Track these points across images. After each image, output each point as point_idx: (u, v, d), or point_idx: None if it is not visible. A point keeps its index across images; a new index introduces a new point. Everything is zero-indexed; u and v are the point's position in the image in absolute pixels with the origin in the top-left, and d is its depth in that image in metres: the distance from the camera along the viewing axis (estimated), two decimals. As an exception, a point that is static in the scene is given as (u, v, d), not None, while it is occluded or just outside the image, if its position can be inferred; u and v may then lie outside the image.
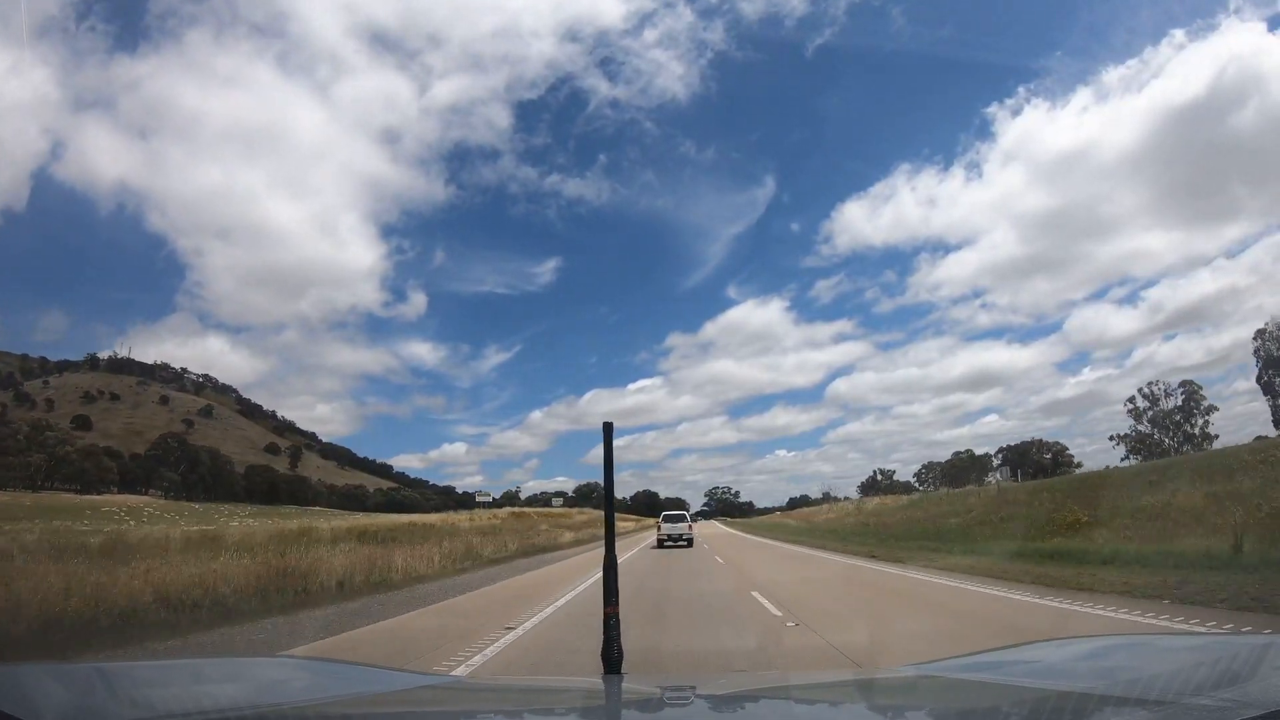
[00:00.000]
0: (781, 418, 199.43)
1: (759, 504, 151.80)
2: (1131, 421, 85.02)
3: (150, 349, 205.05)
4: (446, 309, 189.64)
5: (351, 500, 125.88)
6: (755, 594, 11.01)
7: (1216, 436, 78.49)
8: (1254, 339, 74.16)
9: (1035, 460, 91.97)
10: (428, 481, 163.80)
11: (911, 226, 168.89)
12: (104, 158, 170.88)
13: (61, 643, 7.02)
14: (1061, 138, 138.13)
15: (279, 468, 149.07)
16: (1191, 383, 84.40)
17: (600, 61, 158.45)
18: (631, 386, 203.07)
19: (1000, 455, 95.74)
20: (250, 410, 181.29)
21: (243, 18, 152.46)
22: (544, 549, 27.10)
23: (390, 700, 1.97)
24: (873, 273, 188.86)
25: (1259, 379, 74.43)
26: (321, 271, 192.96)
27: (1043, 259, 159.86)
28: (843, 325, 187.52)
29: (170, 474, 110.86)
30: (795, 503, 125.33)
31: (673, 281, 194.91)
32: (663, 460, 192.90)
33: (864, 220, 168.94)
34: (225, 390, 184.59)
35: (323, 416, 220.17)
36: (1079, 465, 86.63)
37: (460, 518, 48.31)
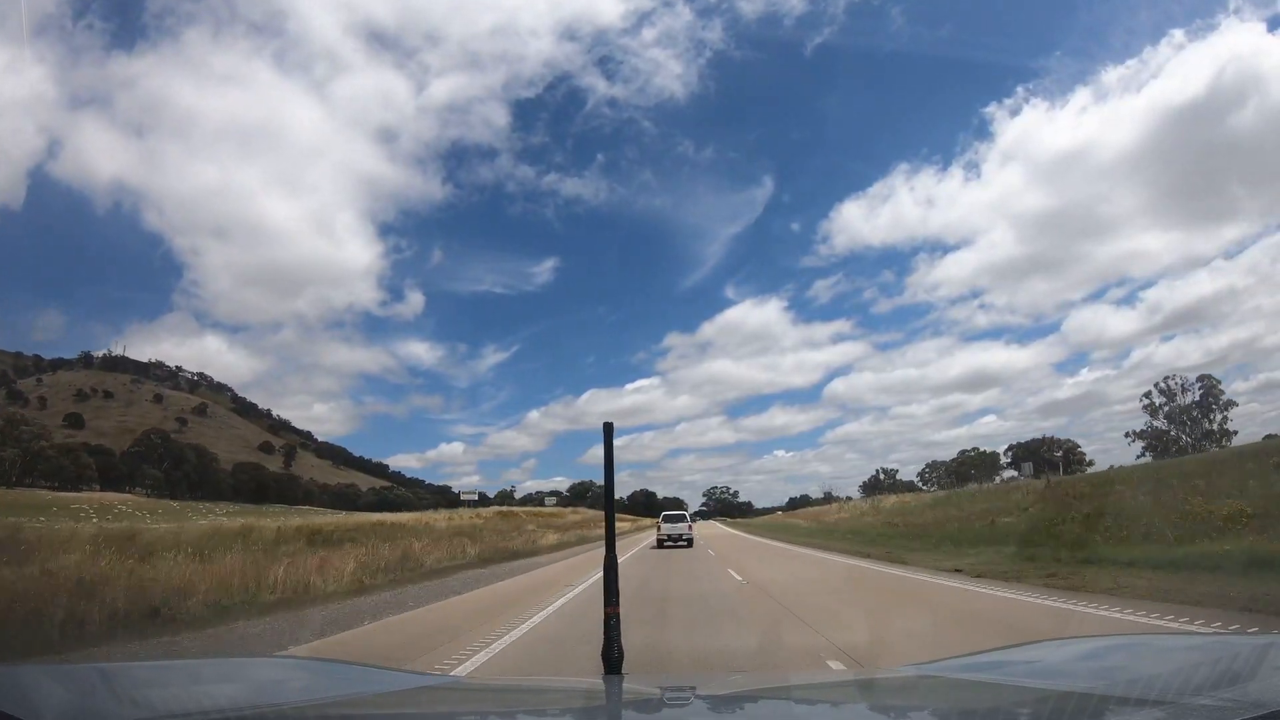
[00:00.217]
0: (779, 418, 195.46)
1: (758, 504, 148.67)
2: (1147, 418, 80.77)
3: (147, 348, 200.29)
4: (444, 308, 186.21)
5: (343, 500, 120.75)
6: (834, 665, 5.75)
7: (1235, 433, 74.37)
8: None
9: (1045, 458, 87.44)
10: (423, 481, 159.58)
11: (910, 226, 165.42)
12: (101, 156, 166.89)
13: None
14: (1060, 138, 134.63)
15: (272, 466, 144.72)
16: (1209, 377, 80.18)
17: (598, 60, 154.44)
18: (629, 386, 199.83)
19: (1010, 453, 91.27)
20: (245, 409, 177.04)
21: (240, 15, 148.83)
22: (515, 554, 22.05)
23: (390, 700, 1.96)
24: (871, 273, 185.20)
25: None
26: (318, 270, 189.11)
27: (1041, 259, 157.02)
28: (841, 325, 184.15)
29: (153, 471, 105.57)
30: (795, 503, 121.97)
31: (671, 281, 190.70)
32: (660, 460, 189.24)
33: (862, 220, 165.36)
34: (220, 389, 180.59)
35: (320, 416, 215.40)
36: (1090, 463, 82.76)
37: (439, 517, 43.32)
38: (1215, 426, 78.41)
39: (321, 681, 2.09)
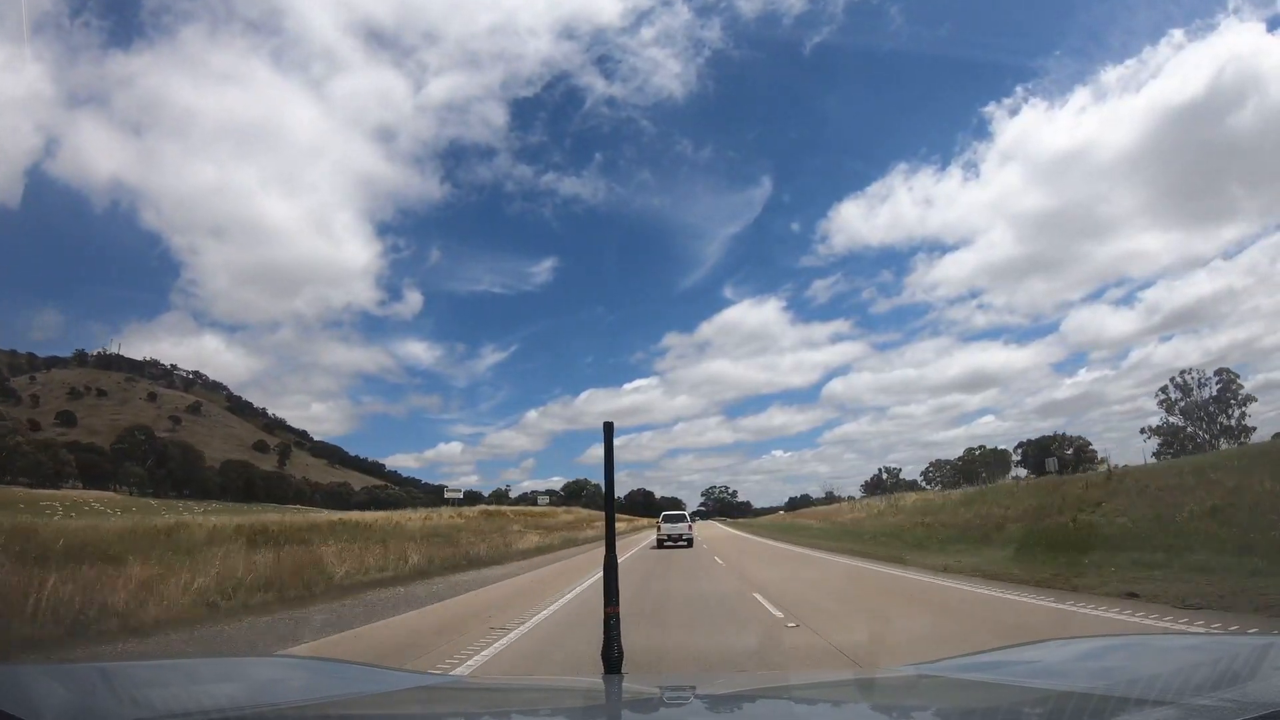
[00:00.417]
0: (778, 418, 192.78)
1: (756, 504, 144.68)
2: (1162, 413, 76.59)
3: (145, 347, 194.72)
4: (442, 308, 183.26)
5: (335, 499, 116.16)
6: None
7: (1254, 429, 70.26)
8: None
9: (1057, 456, 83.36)
10: (420, 481, 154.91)
11: (908, 226, 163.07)
12: (98, 154, 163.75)
13: None
14: (1059, 138, 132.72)
15: (266, 466, 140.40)
16: (1228, 370, 75.94)
17: (597, 59, 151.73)
18: (627, 386, 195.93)
19: (1020, 450, 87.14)
20: (240, 408, 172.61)
21: (238, 14, 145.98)
22: (475, 561, 17.64)
23: (390, 700, 1.93)
24: (869, 273, 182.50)
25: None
26: (316, 270, 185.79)
27: (1040, 259, 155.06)
28: (839, 325, 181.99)
29: (136, 469, 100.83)
30: (795, 503, 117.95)
31: (669, 281, 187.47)
32: (659, 460, 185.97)
33: (861, 220, 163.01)
34: (216, 387, 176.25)
35: (318, 416, 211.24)
36: (1103, 461, 79.03)
37: (416, 516, 38.93)
38: (1233, 422, 74.26)
39: (321, 681, 2.05)
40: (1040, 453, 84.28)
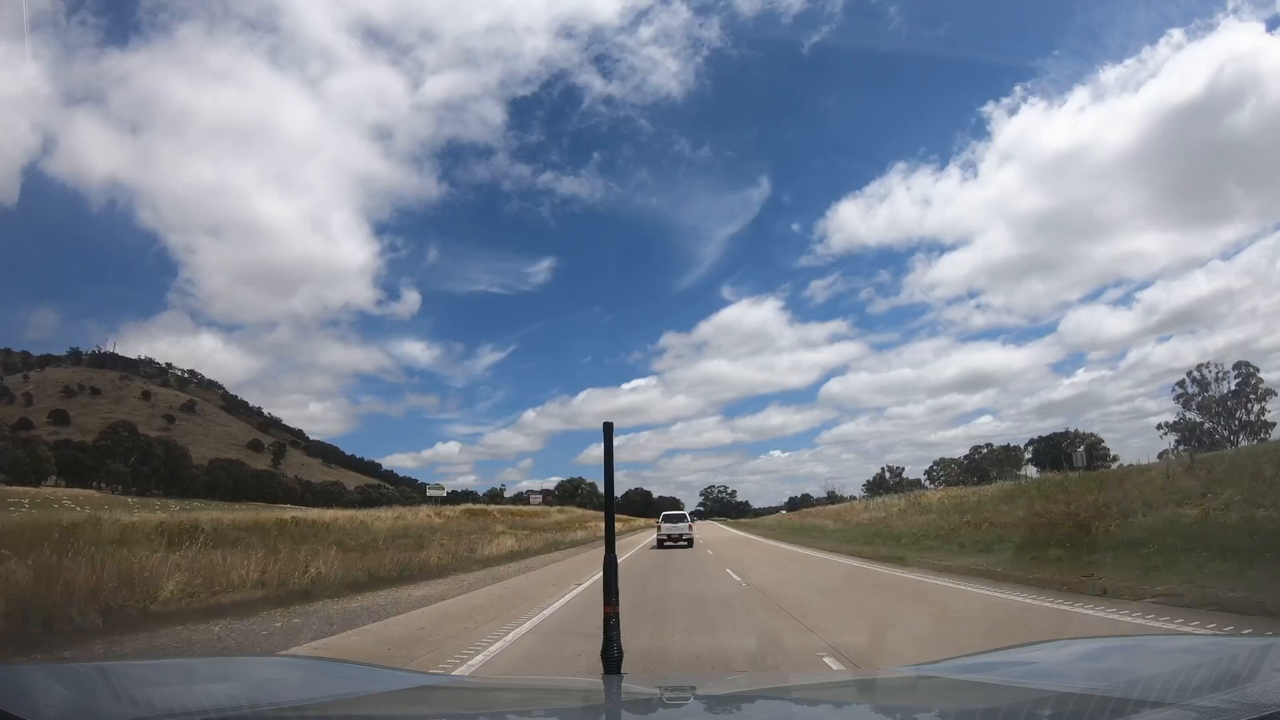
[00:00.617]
0: (776, 418, 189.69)
1: (755, 504, 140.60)
2: (1179, 408, 72.59)
3: (142, 346, 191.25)
4: (440, 308, 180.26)
5: (327, 498, 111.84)
6: None
7: (1274, 425, 66.27)
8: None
9: (1067, 453, 79.40)
10: (415, 480, 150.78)
11: (906, 226, 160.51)
12: (95, 153, 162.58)
13: None
14: (1058, 137, 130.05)
15: (259, 465, 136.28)
16: (1246, 364, 71.88)
17: (595, 58, 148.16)
18: (626, 386, 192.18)
19: (1030, 448, 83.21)
20: (235, 407, 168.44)
21: (234, 12, 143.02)
22: (407, 577, 13.31)
23: (390, 700, 1.91)
24: (867, 273, 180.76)
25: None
26: (314, 269, 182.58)
27: (1038, 260, 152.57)
28: (837, 325, 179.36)
29: (118, 466, 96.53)
30: (796, 503, 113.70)
31: (667, 281, 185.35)
32: (657, 460, 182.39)
33: (859, 220, 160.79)
34: (211, 386, 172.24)
35: (316, 415, 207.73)
36: (1115, 458, 75.40)
37: (388, 515, 34.74)
38: (1253, 417, 70.20)
39: (320, 681, 2.03)
40: (1052, 450, 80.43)
